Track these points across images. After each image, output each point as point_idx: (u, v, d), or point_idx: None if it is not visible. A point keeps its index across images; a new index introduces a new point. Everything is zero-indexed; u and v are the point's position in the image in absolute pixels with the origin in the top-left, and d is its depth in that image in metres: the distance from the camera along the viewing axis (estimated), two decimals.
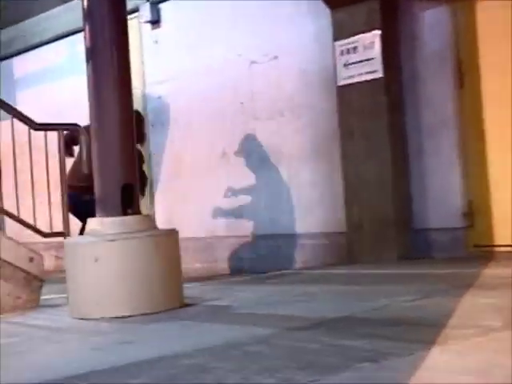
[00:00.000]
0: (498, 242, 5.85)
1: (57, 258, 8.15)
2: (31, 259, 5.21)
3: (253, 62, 7.30)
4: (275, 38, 7.12)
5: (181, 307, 4.46)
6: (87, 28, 4.71)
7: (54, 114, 7.62)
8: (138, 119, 6.29)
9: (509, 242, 5.77)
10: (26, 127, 5.63)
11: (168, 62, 8.10)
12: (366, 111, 6.26)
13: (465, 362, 2.52)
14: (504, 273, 4.69)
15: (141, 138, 6.67)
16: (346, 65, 6.38)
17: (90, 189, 5.85)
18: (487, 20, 5.89)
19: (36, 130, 5.73)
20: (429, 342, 2.79)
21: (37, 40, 9.59)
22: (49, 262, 6.72)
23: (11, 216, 5.56)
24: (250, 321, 3.82)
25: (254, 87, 7.29)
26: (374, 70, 6.21)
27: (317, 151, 6.84)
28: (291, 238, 7.03)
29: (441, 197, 6.07)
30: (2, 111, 5.84)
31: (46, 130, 5.90)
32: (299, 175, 6.99)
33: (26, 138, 5.60)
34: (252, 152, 7.36)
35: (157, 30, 8.25)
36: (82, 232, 6.15)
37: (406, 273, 5.32)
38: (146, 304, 4.34)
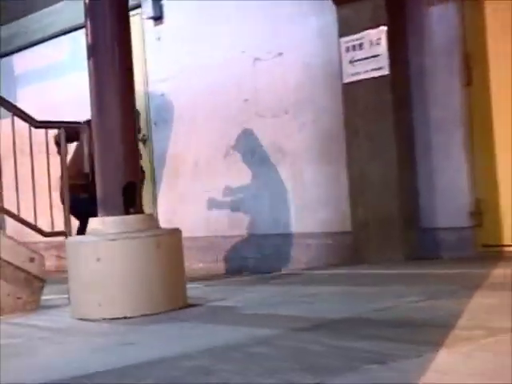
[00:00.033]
0: (506, 241, 5.83)
1: (58, 257, 8.15)
2: (32, 259, 5.21)
3: (257, 59, 7.28)
4: (279, 35, 7.11)
5: (184, 308, 4.46)
6: (89, 24, 4.71)
7: (54, 112, 7.62)
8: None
9: None
10: (26, 125, 5.63)
11: (171, 58, 8.10)
12: (372, 109, 6.24)
13: (473, 364, 2.51)
14: None
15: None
16: (351, 61, 6.37)
17: (87, 187, 5.85)
18: (495, 14, 5.87)
19: (37, 127, 5.73)
20: (436, 344, 2.78)
21: (38, 36, 9.60)
22: (50, 262, 6.72)
23: (11, 215, 5.55)
24: (253, 322, 3.82)
25: (258, 85, 7.29)
26: (380, 66, 6.19)
27: (321, 149, 6.83)
28: (295, 237, 7.02)
29: (449, 195, 6.05)
30: (3, 109, 5.83)
31: (46, 127, 5.90)
32: (303, 174, 6.98)
33: (27, 136, 5.60)
34: (256, 150, 7.35)
35: (159, 27, 8.24)
36: (79, 231, 6.14)
37: (412, 273, 5.31)
38: (148, 305, 4.33)
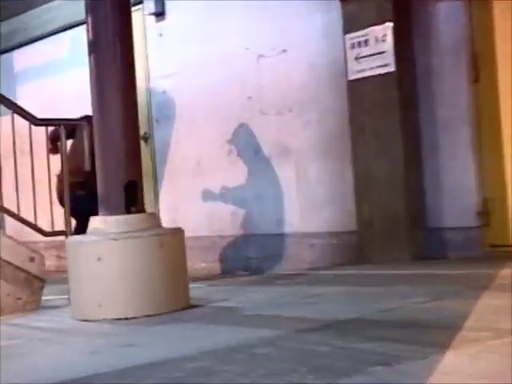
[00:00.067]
0: None
1: (58, 257, 8.16)
2: (32, 259, 5.22)
3: (260, 56, 7.28)
4: (284, 31, 7.10)
5: (186, 308, 4.46)
6: (90, 20, 4.72)
7: (55, 109, 7.63)
8: None
9: None
10: (26, 122, 5.64)
11: (173, 55, 8.10)
12: (378, 106, 6.24)
13: (480, 366, 2.51)
14: None
15: None
16: (356, 58, 6.37)
17: (84, 184, 5.84)
18: (504, 14, 5.86)
19: (37, 125, 5.74)
20: (442, 345, 2.78)
21: (38, 33, 9.60)
22: (50, 262, 6.73)
23: (11, 214, 5.56)
24: (257, 322, 3.82)
25: (262, 82, 7.28)
26: (385, 63, 6.19)
27: (326, 147, 6.83)
28: (299, 237, 7.02)
29: (455, 195, 6.05)
30: (2, 106, 5.84)
31: (47, 125, 5.91)
32: (308, 172, 6.98)
33: (27, 134, 5.61)
34: (259, 148, 7.35)
35: (161, 23, 8.24)
36: (76, 231, 6.12)
37: (418, 273, 5.31)
38: (149, 305, 4.34)
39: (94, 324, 4.27)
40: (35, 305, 5.21)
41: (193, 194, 7.91)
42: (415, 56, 6.24)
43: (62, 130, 5.70)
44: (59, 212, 5.86)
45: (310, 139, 6.95)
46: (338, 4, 6.50)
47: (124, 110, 4.65)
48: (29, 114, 5.64)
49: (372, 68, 6.27)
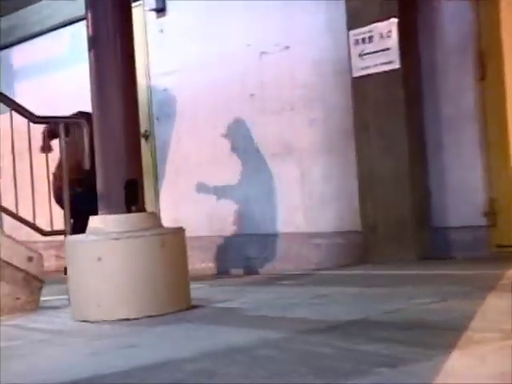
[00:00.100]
0: None
1: (57, 257, 8.17)
2: (30, 258, 5.22)
3: (263, 53, 7.28)
4: (286, 28, 7.10)
5: (187, 309, 4.47)
6: (90, 16, 4.72)
7: (54, 106, 7.63)
8: None
9: None
10: (24, 120, 5.64)
11: (174, 52, 8.10)
12: (382, 104, 6.24)
13: (487, 368, 2.51)
14: None
15: None
16: (360, 55, 6.37)
17: (81, 181, 5.84)
18: (511, 8, 5.86)
19: (36, 123, 5.74)
20: (448, 347, 2.78)
21: (37, 29, 9.61)
22: (49, 262, 6.74)
23: (9, 213, 5.56)
24: (259, 324, 3.82)
25: (264, 79, 7.28)
26: (390, 60, 6.19)
27: (330, 146, 6.83)
28: (303, 237, 7.02)
29: (461, 194, 6.04)
30: (1, 104, 5.84)
31: (46, 123, 5.91)
32: (311, 171, 6.98)
33: (25, 131, 5.61)
34: (262, 147, 7.35)
35: (162, 19, 8.24)
36: (73, 229, 6.11)
37: (424, 274, 5.31)
38: (150, 306, 4.34)
39: (94, 325, 4.28)
40: (34, 305, 5.21)
41: (194, 192, 7.91)
42: (420, 53, 6.24)
43: (60, 128, 5.69)
44: (58, 211, 5.86)
45: (313, 137, 6.95)
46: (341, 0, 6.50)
47: (124, 107, 4.66)
48: (27, 111, 5.64)
49: (376, 65, 6.27)
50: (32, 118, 5.65)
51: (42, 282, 5.28)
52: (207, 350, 3.18)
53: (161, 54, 8.25)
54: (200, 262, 7.68)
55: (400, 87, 6.16)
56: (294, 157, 7.10)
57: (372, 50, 6.29)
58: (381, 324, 3.51)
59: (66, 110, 6.95)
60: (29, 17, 9.71)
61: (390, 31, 6.18)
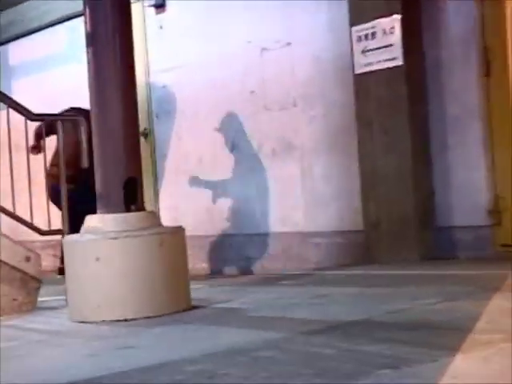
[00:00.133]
0: None
1: (55, 257, 8.16)
2: (28, 258, 5.22)
3: (264, 49, 7.28)
4: (288, 24, 7.10)
5: (187, 309, 4.47)
6: (88, 12, 4.72)
7: (52, 104, 7.62)
8: None
9: None
10: (22, 118, 5.63)
11: (173, 48, 8.10)
12: (385, 101, 6.23)
13: (491, 369, 2.50)
14: None
15: None
16: (363, 51, 6.36)
17: (74, 178, 5.82)
18: None
19: (33, 120, 5.74)
20: (453, 348, 2.78)
21: (35, 25, 9.60)
22: (46, 262, 6.74)
23: (6, 212, 5.56)
24: (260, 324, 3.82)
25: (265, 76, 7.28)
26: (393, 57, 6.18)
27: (332, 144, 6.82)
28: (304, 236, 7.02)
29: (466, 192, 6.04)
30: None
31: (43, 120, 5.91)
32: (313, 169, 6.98)
33: (23, 129, 5.61)
34: (262, 144, 7.35)
35: (161, 15, 8.24)
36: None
37: (427, 274, 5.31)
38: (149, 306, 4.34)
39: (92, 326, 4.28)
40: (31, 306, 5.21)
41: (194, 191, 7.91)
42: (424, 49, 6.23)
43: (58, 126, 5.69)
44: (56, 211, 5.86)
45: (315, 135, 6.95)
46: None
47: (123, 104, 4.65)
48: (25, 108, 5.63)
49: (379, 61, 6.26)
50: (29, 115, 5.64)
51: (39, 282, 5.28)
52: (207, 351, 3.18)
53: (160, 50, 8.25)
54: (200, 261, 7.68)
55: (403, 84, 6.16)
56: (295, 154, 7.09)
57: (375, 47, 6.29)
58: (383, 324, 3.51)
59: (64, 107, 6.97)
60: (26, 12, 9.70)
61: (393, 27, 6.18)
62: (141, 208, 4.66)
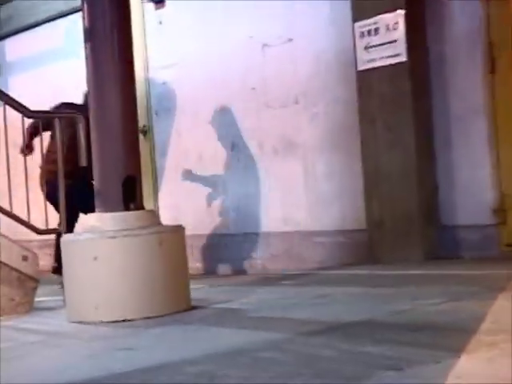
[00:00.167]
0: None
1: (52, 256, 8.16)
2: (25, 258, 5.23)
3: (265, 45, 7.28)
4: (290, 19, 7.09)
5: (187, 310, 4.47)
6: (86, 6, 4.72)
7: (49, 100, 7.62)
8: None
9: None
10: (18, 115, 5.64)
11: (173, 44, 8.09)
12: (389, 98, 6.23)
13: (496, 371, 2.51)
14: None
15: None
16: (366, 48, 6.36)
17: (68, 173, 5.81)
18: None
19: (30, 117, 5.74)
20: (457, 349, 2.78)
21: (32, 20, 9.60)
22: (44, 262, 6.73)
23: (3, 211, 5.56)
24: (261, 325, 3.83)
25: (267, 72, 7.28)
26: (397, 53, 6.18)
27: (334, 141, 6.82)
28: (306, 235, 7.02)
29: (470, 190, 6.04)
30: None
31: (40, 117, 5.91)
32: (315, 167, 6.98)
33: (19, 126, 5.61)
34: (263, 142, 7.35)
35: (161, 10, 8.23)
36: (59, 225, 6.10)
37: (431, 273, 5.31)
38: (149, 306, 4.34)
39: (90, 326, 4.28)
40: (28, 306, 5.21)
41: (194, 190, 7.91)
42: (428, 45, 6.23)
43: (56, 123, 5.69)
44: (53, 209, 5.87)
45: (317, 132, 6.95)
46: None
47: (122, 101, 4.66)
48: (21, 105, 5.63)
49: (382, 58, 6.26)
50: (26, 112, 5.64)
51: (37, 282, 5.28)
52: (207, 352, 3.19)
53: (160, 46, 8.24)
54: (200, 261, 7.69)
55: (407, 80, 6.16)
56: (297, 152, 7.09)
57: (378, 43, 6.28)
58: (386, 325, 3.51)
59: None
60: (24, 7, 9.69)
61: (396, 23, 6.18)
62: (140, 206, 4.66)
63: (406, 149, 6.15)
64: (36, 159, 5.93)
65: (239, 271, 7.41)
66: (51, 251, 7.06)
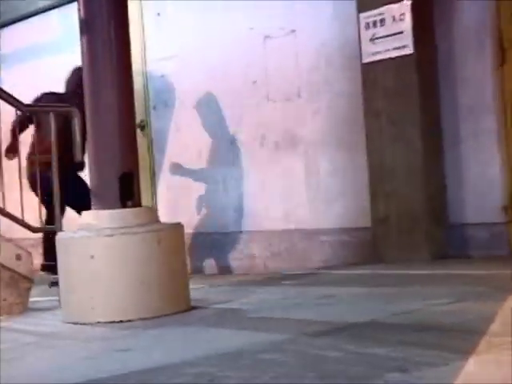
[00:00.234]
0: None
1: None
2: (18, 257, 5.23)
3: (267, 37, 7.28)
4: (292, 10, 7.10)
5: (186, 310, 4.48)
6: None
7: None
8: None
9: None
10: (12, 109, 5.64)
11: (172, 36, 8.10)
12: (395, 91, 6.23)
13: (505, 373, 2.52)
14: None
15: None
16: (371, 39, 6.36)
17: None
18: None
19: (24, 111, 5.74)
20: (465, 351, 2.79)
21: (26, 11, 9.60)
22: (38, 261, 6.75)
23: None
24: (262, 326, 3.84)
25: (268, 65, 7.28)
26: (403, 45, 6.19)
27: (338, 136, 6.83)
28: (309, 234, 7.03)
29: (479, 188, 6.05)
30: None
31: (35, 111, 5.92)
32: (318, 163, 6.98)
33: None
34: (265, 137, 7.35)
35: (160, 1, 8.24)
36: (47, 221, 6.09)
37: (438, 273, 5.32)
38: (147, 307, 4.35)
39: (86, 327, 4.29)
40: (22, 307, 5.22)
41: (193, 187, 7.92)
42: (436, 37, 6.23)
43: (51, 117, 5.69)
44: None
45: (320, 127, 6.96)
46: None
47: (119, 95, 4.67)
48: (15, 99, 5.64)
49: (388, 50, 6.26)
50: (20, 106, 5.64)
51: (31, 281, 5.29)
52: (208, 354, 3.20)
53: (158, 38, 8.24)
54: (200, 261, 7.70)
55: (414, 73, 6.16)
56: (299, 147, 7.10)
57: (384, 34, 6.29)
58: (392, 326, 3.52)
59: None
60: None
61: (403, 14, 6.18)
62: (137, 204, 4.67)
63: (412, 145, 6.15)
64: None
65: (239, 270, 7.42)
66: None
